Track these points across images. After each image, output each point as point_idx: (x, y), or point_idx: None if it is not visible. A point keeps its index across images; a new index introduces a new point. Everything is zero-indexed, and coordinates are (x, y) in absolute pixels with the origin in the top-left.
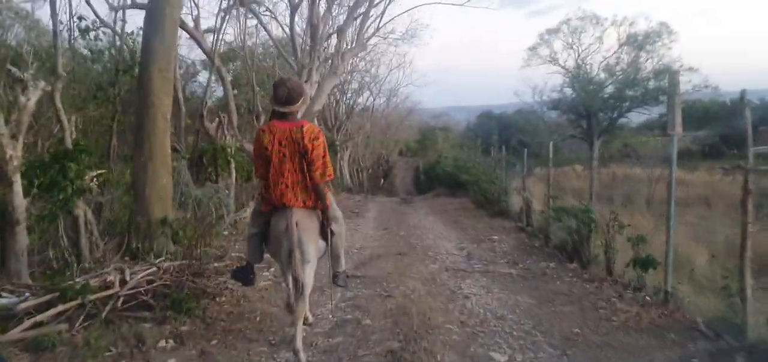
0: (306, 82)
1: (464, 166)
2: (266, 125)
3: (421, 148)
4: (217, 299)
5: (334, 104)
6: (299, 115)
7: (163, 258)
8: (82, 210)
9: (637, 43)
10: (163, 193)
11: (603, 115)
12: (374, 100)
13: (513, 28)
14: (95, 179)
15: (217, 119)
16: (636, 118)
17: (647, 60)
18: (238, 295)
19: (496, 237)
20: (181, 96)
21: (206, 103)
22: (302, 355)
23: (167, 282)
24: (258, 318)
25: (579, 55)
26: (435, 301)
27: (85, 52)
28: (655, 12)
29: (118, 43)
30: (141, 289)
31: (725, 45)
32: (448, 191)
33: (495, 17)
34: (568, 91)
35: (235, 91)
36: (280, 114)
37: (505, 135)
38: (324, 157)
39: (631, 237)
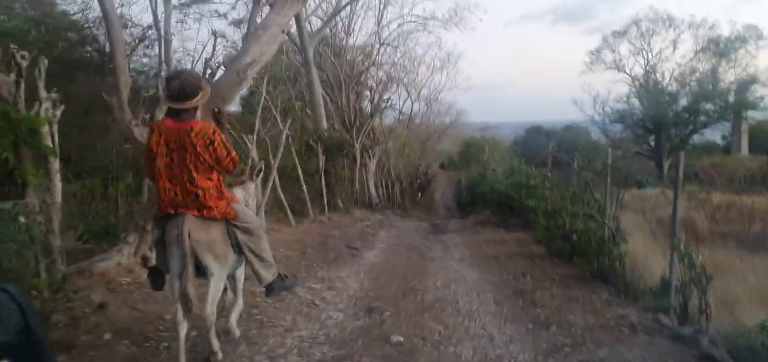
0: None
1: (527, 185)
2: (157, 123)
3: (463, 160)
4: None
5: (355, 98)
6: (199, 114)
7: None
8: None
9: (718, 49)
10: None
11: (675, 131)
12: (412, 104)
13: (565, 45)
14: None
15: (16, 67)
16: (710, 134)
17: (729, 69)
18: None
19: None
20: None
21: None
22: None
23: None
24: None
25: (648, 62)
26: None
27: None
28: (742, 13)
29: None
30: None
31: None
32: (496, 216)
33: (547, 33)
34: (635, 102)
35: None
36: (174, 111)
37: (555, 151)
38: (229, 153)
39: None
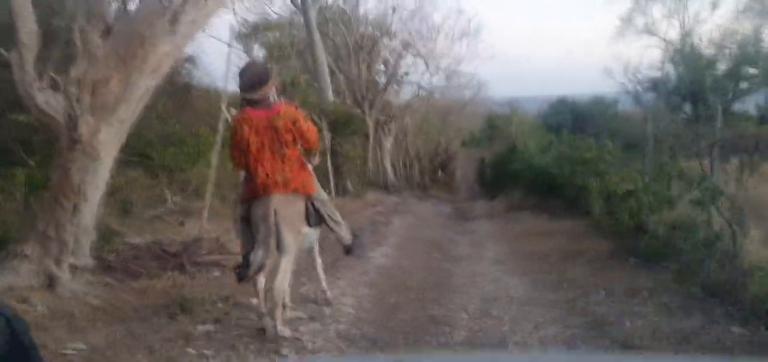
0: None
1: (581, 159)
2: (239, 114)
3: (486, 137)
4: None
5: (367, 69)
6: (272, 98)
7: None
8: None
9: (763, 8)
10: None
11: (715, 99)
12: (431, 77)
13: (590, 15)
14: None
15: None
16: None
17: None
18: None
19: None
20: None
21: None
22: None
23: None
24: None
25: (684, 25)
26: None
27: None
28: None
29: None
30: None
31: None
32: (532, 199)
33: (570, 3)
34: (670, 68)
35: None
36: (251, 101)
37: (581, 124)
38: (309, 129)
39: None
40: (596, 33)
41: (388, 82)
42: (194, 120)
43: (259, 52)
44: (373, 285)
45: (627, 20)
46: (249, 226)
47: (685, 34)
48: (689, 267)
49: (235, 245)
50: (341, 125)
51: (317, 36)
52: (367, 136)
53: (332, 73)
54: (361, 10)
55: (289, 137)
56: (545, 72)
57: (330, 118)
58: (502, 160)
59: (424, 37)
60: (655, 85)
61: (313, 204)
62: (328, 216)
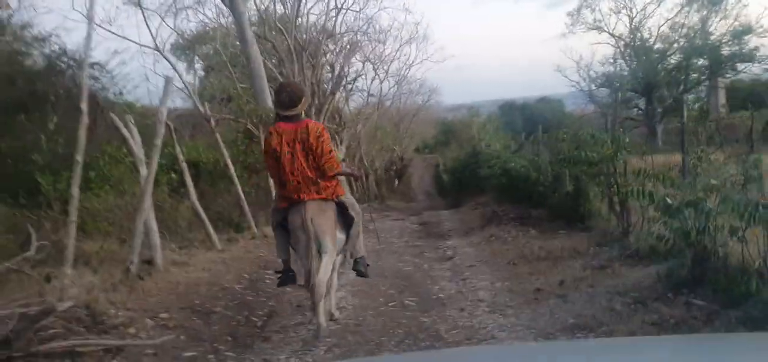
0: None
1: (587, 159)
2: (273, 127)
3: (439, 143)
4: None
5: (312, 72)
6: (303, 115)
7: None
8: None
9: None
10: None
11: (667, 92)
12: (381, 83)
13: (531, 20)
14: None
15: None
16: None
17: (720, 21)
18: None
19: None
20: None
21: None
22: (324, 328)
23: None
24: None
25: (632, 19)
26: None
27: None
28: None
29: None
30: None
31: None
32: (508, 207)
33: (511, 10)
34: (622, 63)
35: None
36: (285, 116)
37: (530, 126)
38: (330, 152)
39: None
40: (546, 32)
41: (335, 86)
42: (106, 138)
43: (197, 65)
44: None
45: (575, 16)
46: (287, 233)
47: (635, 29)
48: None
49: (119, 313)
50: None
51: (250, 33)
52: None
53: (274, 78)
54: (302, 11)
55: (315, 148)
56: (495, 76)
57: (268, 126)
58: (464, 165)
59: (371, 40)
60: (607, 80)
61: (342, 207)
62: (356, 223)
